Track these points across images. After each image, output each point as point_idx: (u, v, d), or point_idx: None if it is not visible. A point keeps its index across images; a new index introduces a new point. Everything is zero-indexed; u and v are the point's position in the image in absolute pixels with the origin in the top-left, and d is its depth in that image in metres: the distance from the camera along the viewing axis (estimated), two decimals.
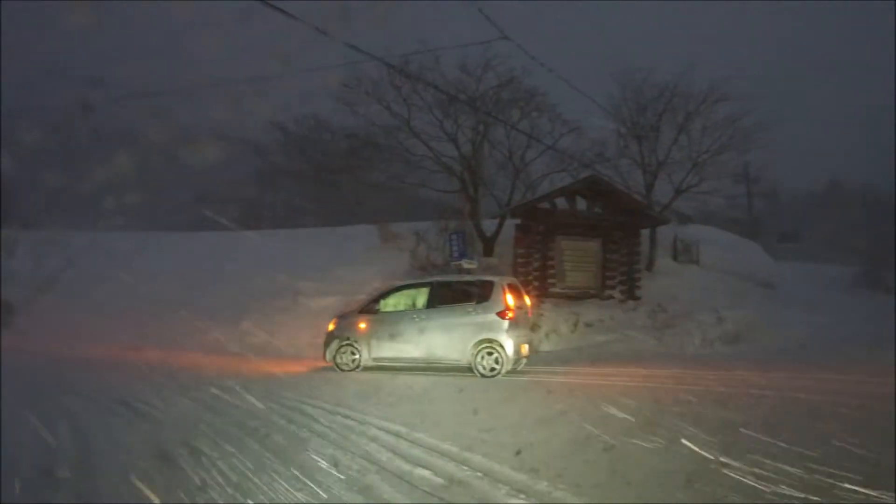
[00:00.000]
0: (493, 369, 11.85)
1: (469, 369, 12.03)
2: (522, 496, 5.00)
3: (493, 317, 12.02)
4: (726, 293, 21.90)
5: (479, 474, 5.56)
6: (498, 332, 11.94)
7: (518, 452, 6.14)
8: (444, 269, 19.24)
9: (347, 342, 12.71)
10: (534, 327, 15.63)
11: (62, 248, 24.46)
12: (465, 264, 15.85)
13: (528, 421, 7.76)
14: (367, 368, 12.61)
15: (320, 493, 5.08)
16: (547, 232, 19.62)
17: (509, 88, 20.85)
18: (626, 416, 7.64)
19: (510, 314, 12.05)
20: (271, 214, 39.96)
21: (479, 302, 12.25)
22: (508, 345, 11.89)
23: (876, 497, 4.86)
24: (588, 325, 18.81)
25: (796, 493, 4.93)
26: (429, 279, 13.72)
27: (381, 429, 7.24)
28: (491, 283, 12.43)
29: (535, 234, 19.56)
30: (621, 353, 16.51)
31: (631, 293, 20.39)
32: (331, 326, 13.13)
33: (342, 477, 5.47)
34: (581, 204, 20.74)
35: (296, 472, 5.53)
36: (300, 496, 4.99)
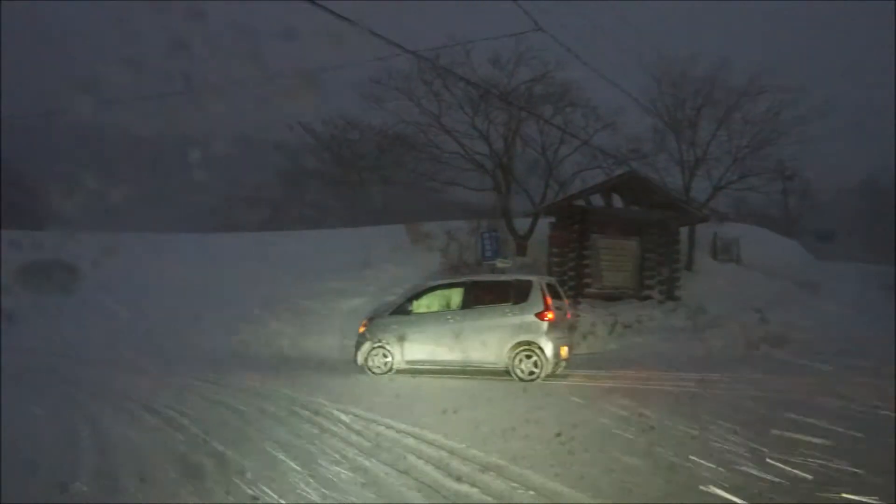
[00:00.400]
0: (531, 373, 11.28)
1: (506, 373, 11.47)
2: None
3: (531, 318, 11.45)
4: (768, 293, 21.06)
5: (531, 493, 5.02)
6: (537, 334, 11.36)
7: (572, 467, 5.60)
8: (476, 268, 18.74)
9: (379, 344, 12.22)
10: (571, 329, 15.00)
11: (88, 249, 24.49)
12: (500, 263, 15.34)
13: (580, 431, 7.18)
14: (399, 372, 12.12)
15: None
16: (582, 230, 18.99)
17: (542, 83, 20.26)
18: (688, 428, 7.02)
19: (549, 315, 11.46)
20: (299, 215, 39.73)
21: (516, 302, 11.68)
22: (548, 347, 11.30)
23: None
24: (626, 326, 18.15)
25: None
26: (463, 279, 13.19)
27: (419, 439, 6.73)
28: (529, 283, 11.86)
29: (571, 233, 18.95)
30: (662, 356, 15.80)
31: (670, 293, 19.67)
32: (361, 328, 12.67)
33: (380, 494, 4.97)
34: (617, 201, 20.08)
35: (329, 491, 5.04)
36: None
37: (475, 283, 12.51)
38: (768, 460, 5.62)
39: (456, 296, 12.21)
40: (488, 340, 11.60)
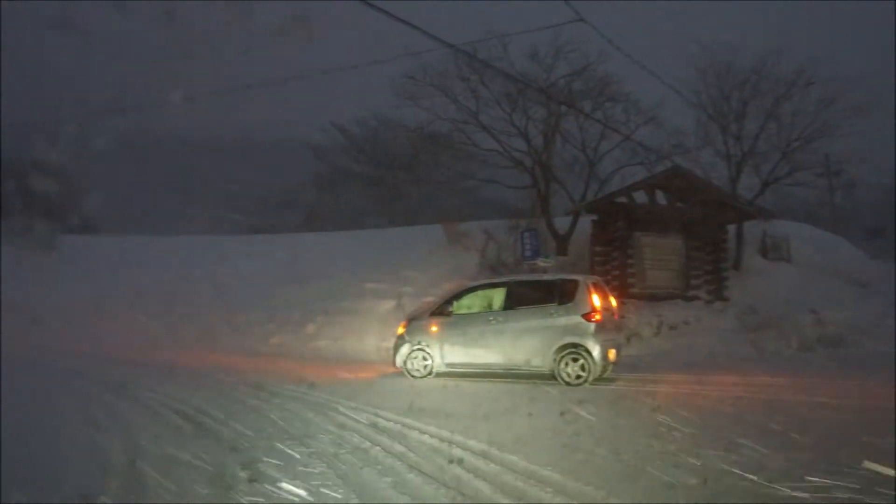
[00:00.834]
0: (578, 377, 10.75)
1: (551, 377, 10.96)
2: None
3: (578, 319, 10.92)
4: (821, 293, 20.16)
5: None
6: (584, 335, 10.83)
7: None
8: (515, 268, 18.24)
9: (418, 347, 11.82)
10: (618, 330, 14.41)
11: (124, 252, 24.66)
12: (542, 263, 14.81)
13: (638, 440, 6.66)
14: (439, 375, 11.70)
15: None
16: (626, 228, 18.34)
17: (582, 77, 19.67)
18: (753, 444, 6.44)
19: (597, 316, 10.93)
20: (334, 217, 39.66)
21: (562, 303, 11.16)
22: (596, 350, 10.77)
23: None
24: (672, 327, 17.47)
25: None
26: (505, 278, 12.71)
27: (465, 448, 6.27)
28: (575, 282, 11.33)
29: (613, 231, 18.33)
30: (713, 359, 15.13)
31: (718, 293, 18.91)
32: (400, 330, 12.28)
33: None
34: (661, 198, 19.39)
35: None
36: None
37: (518, 282, 12.02)
38: None
39: (498, 296, 11.73)
40: (532, 342, 11.11)
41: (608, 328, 11.45)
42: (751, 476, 5.19)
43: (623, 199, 18.82)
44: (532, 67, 19.59)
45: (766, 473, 5.24)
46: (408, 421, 7.60)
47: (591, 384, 10.68)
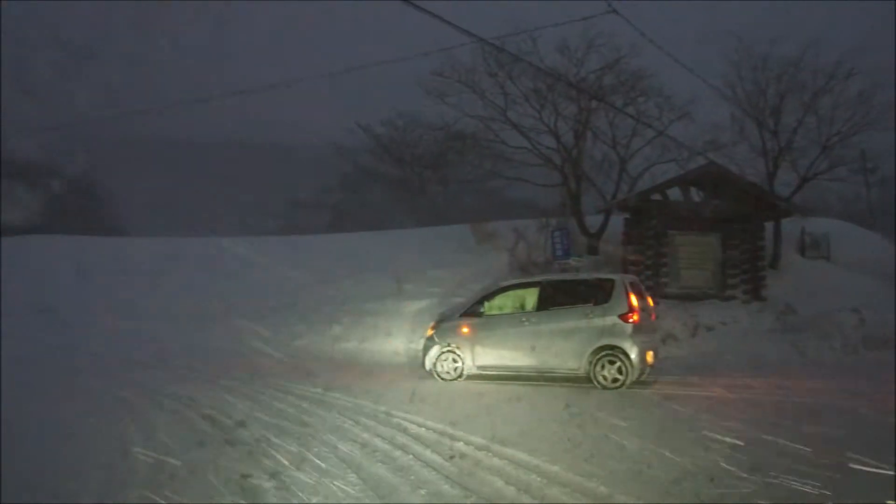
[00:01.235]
0: (615, 380, 10.33)
1: (587, 380, 10.55)
2: None
3: (614, 320, 10.50)
4: (862, 292, 19.40)
5: None
6: (621, 337, 10.41)
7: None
8: (545, 268, 17.82)
9: (448, 349, 11.46)
10: (655, 331, 13.92)
11: (152, 255, 24.67)
12: (574, 262, 14.39)
13: (686, 448, 6.24)
14: (469, 377, 11.34)
15: None
16: (659, 226, 17.83)
17: (613, 71, 19.18)
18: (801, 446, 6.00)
19: (635, 317, 10.50)
20: (360, 217, 39.55)
21: (598, 303, 10.74)
22: (633, 352, 10.34)
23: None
24: (708, 328, 16.90)
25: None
26: (538, 278, 12.28)
27: (504, 458, 5.92)
28: (612, 282, 10.90)
29: (647, 229, 17.82)
30: (752, 361, 14.55)
31: (756, 293, 18.26)
32: (429, 331, 11.94)
33: None
34: (696, 195, 18.84)
35: None
36: None
37: (551, 282, 11.60)
38: None
39: (530, 296, 11.33)
40: (567, 344, 10.71)
41: (646, 329, 11.02)
42: None
43: (656, 197, 18.30)
44: (562, 62, 19.16)
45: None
46: (440, 427, 7.27)
47: (628, 388, 10.26)
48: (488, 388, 10.57)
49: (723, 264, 18.27)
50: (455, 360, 11.40)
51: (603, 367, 10.41)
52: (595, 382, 10.41)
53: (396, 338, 15.87)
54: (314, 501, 4.78)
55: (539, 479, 5.28)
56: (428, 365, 11.60)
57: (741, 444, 6.36)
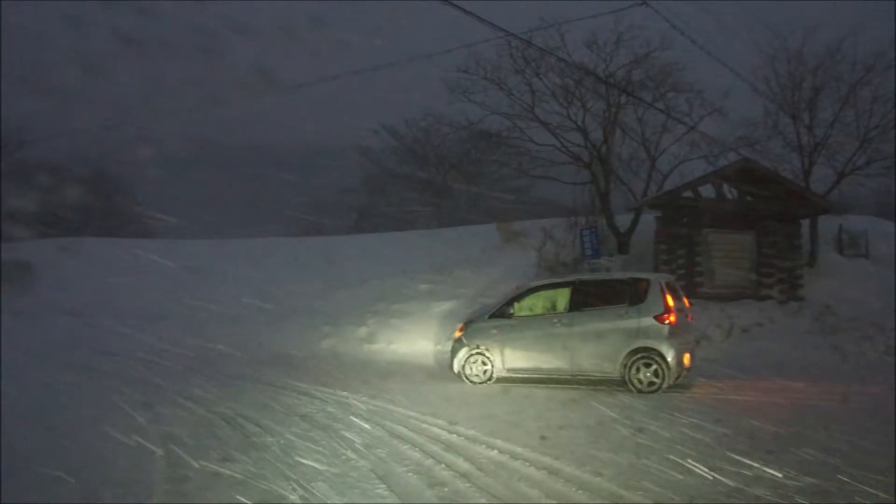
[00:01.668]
0: (651, 384, 9.94)
1: (621, 383, 10.18)
2: None
3: (650, 321, 10.11)
4: None
5: None
6: (657, 339, 10.02)
7: None
8: (574, 268, 17.46)
9: (477, 351, 11.16)
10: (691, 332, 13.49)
11: (181, 257, 24.71)
12: (605, 261, 14.01)
13: (734, 455, 5.88)
14: (499, 380, 11.03)
15: None
16: (692, 224, 17.32)
17: (643, 66, 18.74)
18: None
19: (671, 318, 10.10)
20: (384, 218, 39.42)
21: (632, 303, 10.36)
22: (670, 354, 9.94)
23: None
24: (744, 329, 16.37)
25: None
26: (570, 278, 11.92)
27: (543, 468, 5.60)
28: (646, 282, 10.52)
29: (679, 228, 17.32)
30: (791, 363, 14.06)
31: (792, 293, 17.70)
32: (457, 333, 11.63)
33: None
34: (730, 192, 18.30)
35: None
36: None
37: (584, 282, 11.23)
38: None
39: (562, 297, 10.98)
40: (600, 347, 10.34)
41: (682, 331, 10.62)
42: None
43: (688, 194, 17.81)
44: (590, 57, 18.76)
45: None
46: (472, 433, 6.98)
47: (664, 391, 9.88)
48: (519, 391, 10.25)
49: (758, 263, 17.73)
50: (484, 363, 11.09)
51: (638, 370, 10.03)
52: (630, 386, 10.03)
53: (423, 339, 15.62)
54: None
55: (581, 491, 4.96)
56: (456, 367, 11.32)
57: (794, 448, 5.99)
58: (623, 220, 19.91)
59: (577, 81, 18.61)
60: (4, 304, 17.79)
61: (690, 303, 15.97)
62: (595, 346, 10.38)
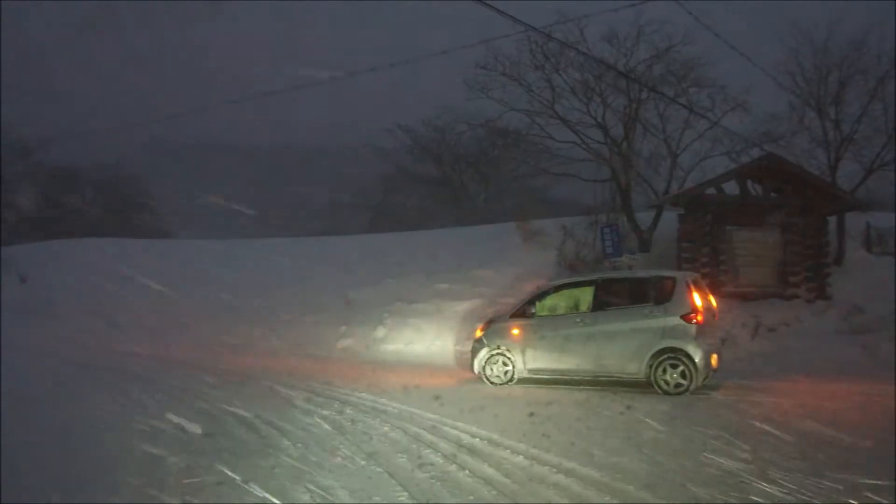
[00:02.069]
0: (678, 385, 9.65)
1: (647, 384, 9.89)
2: None
3: (677, 320, 9.82)
4: None
5: None
6: (684, 339, 9.72)
7: None
8: (594, 266, 17.13)
9: (498, 351, 10.92)
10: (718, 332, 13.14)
11: (197, 257, 24.71)
12: (628, 260, 13.71)
13: (777, 462, 5.59)
14: (521, 381, 10.78)
15: None
16: (716, 222, 16.94)
17: (664, 60, 18.37)
18: None
19: (699, 317, 9.81)
20: (400, 217, 39.29)
21: (658, 302, 10.08)
22: (698, 355, 9.65)
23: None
24: (770, 329, 15.97)
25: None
26: (593, 276, 11.65)
27: (572, 475, 5.35)
28: (672, 280, 10.23)
29: (702, 225, 16.93)
30: (820, 364, 13.65)
31: (820, 291, 17.24)
32: (478, 333, 11.41)
33: None
34: (754, 189, 17.90)
35: None
36: None
37: (607, 281, 10.96)
38: None
39: (585, 296, 10.71)
40: (625, 347, 10.07)
41: (709, 330, 10.32)
42: None
43: (711, 191, 17.43)
44: (610, 52, 18.41)
45: None
46: (496, 437, 6.73)
47: (692, 393, 9.58)
48: (542, 393, 10.00)
49: (784, 261, 17.29)
50: (505, 364, 10.86)
51: (664, 371, 9.75)
52: (656, 387, 9.75)
53: (442, 339, 15.39)
54: None
55: (612, 499, 4.70)
56: (476, 368, 11.09)
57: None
58: (644, 218, 19.56)
59: (598, 77, 18.27)
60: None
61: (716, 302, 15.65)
62: (619, 346, 10.11)
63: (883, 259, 20.01)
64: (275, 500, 4.67)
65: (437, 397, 9.35)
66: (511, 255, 19.45)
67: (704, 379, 9.92)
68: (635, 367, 9.95)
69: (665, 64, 18.64)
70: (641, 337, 9.95)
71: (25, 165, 39.82)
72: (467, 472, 5.44)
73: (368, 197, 45.71)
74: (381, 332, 16.56)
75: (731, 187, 17.84)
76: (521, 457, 5.93)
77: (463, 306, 16.66)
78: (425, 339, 15.70)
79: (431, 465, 5.71)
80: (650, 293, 10.26)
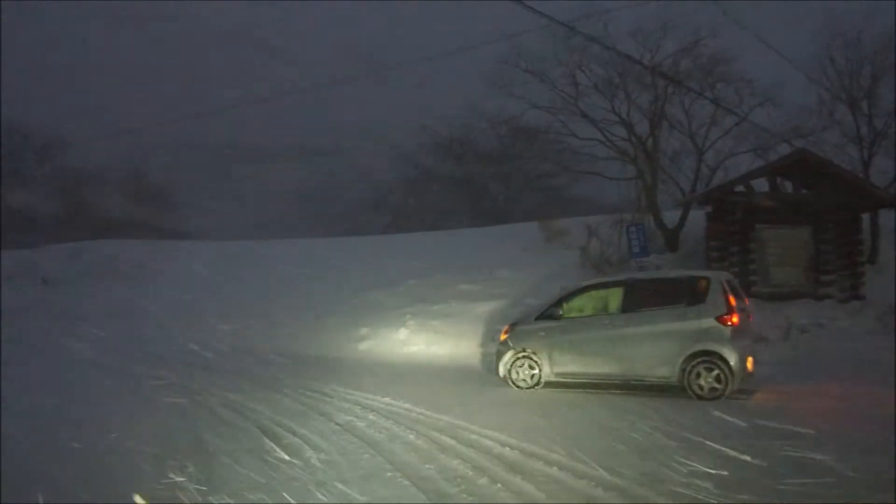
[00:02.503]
0: (713, 389, 9.26)
1: (680, 389, 9.50)
2: None
3: (711, 322, 9.42)
4: None
5: None
6: (719, 341, 9.32)
7: None
8: (620, 266, 16.77)
9: (524, 354, 10.57)
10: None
11: (217, 258, 24.62)
12: (656, 260, 13.32)
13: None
14: (548, 385, 10.44)
15: None
16: (745, 220, 16.50)
17: (691, 55, 17.94)
18: None
19: (734, 318, 9.41)
20: (420, 217, 39.07)
21: (691, 304, 9.68)
22: (733, 358, 9.25)
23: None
24: (803, 330, 15.47)
25: None
26: (623, 277, 11.29)
27: (610, 488, 5.02)
28: (706, 280, 9.83)
29: (731, 224, 16.51)
30: (858, 366, 13.16)
31: (853, 291, 16.74)
32: (503, 335, 11.06)
33: None
34: (784, 186, 17.42)
35: None
36: None
37: (638, 281, 10.58)
38: None
39: (614, 297, 10.34)
40: (656, 350, 9.68)
41: (745, 332, 9.91)
42: None
43: (740, 188, 16.98)
44: (635, 47, 18.00)
45: None
46: (525, 446, 6.42)
47: (728, 398, 9.18)
48: (571, 397, 9.66)
49: (816, 260, 16.82)
50: (531, 367, 10.51)
51: (698, 375, 9.35)
52: (689, 392, 9.36)
53: (465, 342, 15.08)
54: None
55: None
56: (502, 371, 10.76)
57: None
58: (670, 217, 19.13)
59: (622, 73, 17.90)
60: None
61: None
62: (651, 349, 9.73)
63: None
64: None
65: (462, 402, 9.05)
66: (534, 255, 19.13)
67: (740, 383, 9.53)
68: (667, 371, 9.57)
69: (692, 58, 18.24)
70: (674, 339, 9.57)
71: (51, 167, 40.17)
72: (500, 485, 5.13)
73: (388, 197, 45.56)
74: (402, 333, 16.29)
75: (760, 184, 17.39)
76: (555, 468, 5.60)
77: (485, 307, 16.35)
78: (448, 341, 15.40)
79: (461, 478, 5.41)
80: (683, 294, 9.87)
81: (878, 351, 14.46)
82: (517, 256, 19.37)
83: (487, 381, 11.23)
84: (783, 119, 19.67)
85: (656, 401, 9.19)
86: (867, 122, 18.92)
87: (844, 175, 17.42)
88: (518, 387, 10.52)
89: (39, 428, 7.36)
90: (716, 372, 9.26)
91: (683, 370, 9.43)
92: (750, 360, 9.80)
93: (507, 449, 6.34)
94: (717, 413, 8.02)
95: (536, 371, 10.47)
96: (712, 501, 4.48)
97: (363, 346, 16.04)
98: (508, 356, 10.70)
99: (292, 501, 4.78)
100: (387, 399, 9.36)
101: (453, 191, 40.68)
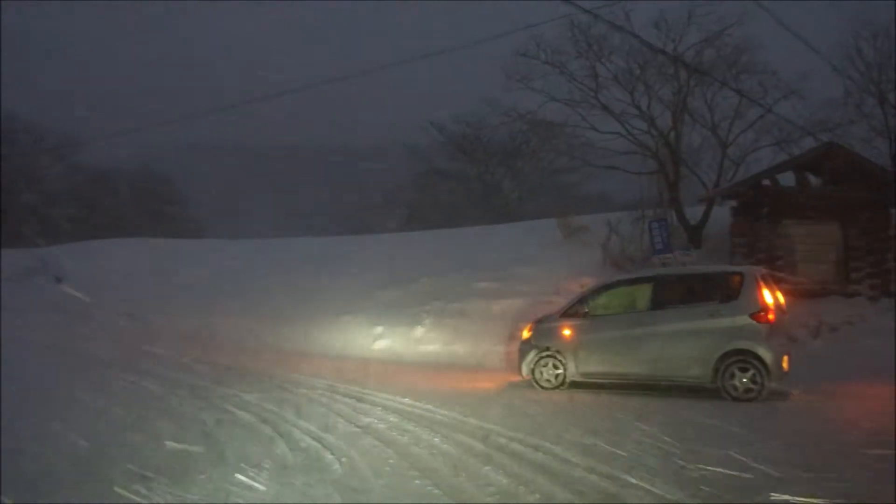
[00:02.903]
0: (748, 390, 8.87)
1: (712, 389, 9.11)
2: None
3: (746, 320, 9.04)
4: None
5: None
6: (754, 340, 8.93)
7: None
8: (642, 263, 16.32)
9: (548, 353, 10.21)
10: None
11: (229, 257, 24.41)
12: (681, 256, 12.91)
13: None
14: (573, 385, 10.06)
15: None
16: (772, 215, 16.02)
17: (715, 45, 17.47)
18: None
19: (770, 316, 9.01)
20: (433, 215, 38.73)
21: (724, 300, 9.30)
22: (769, 357, 8.87)
23: None
24: (833, 328, 15.00)
25: None
26: (651, 273, 10.95)
27: (652, 497, 4.65)
28: (741, 276, 9.44)
29: (757, 219, 16.03)
30: (891, 365, 12.71)
31: (884, 288, 16.21)
32: (526, 333, 10.72)
33: None
34: (812, 180, 16.92)
35: None
36: None
37: (667, 277, 10.22)
38: None
39: (642, 294, 9.97)
40: (688, 349, 9.31)
41: (780, 330, 9.51)
42: None
43: (766, 183, 16.50)
44: (658, 37, 17.54)
45: None
46: (559, 450, 6.06)
47: (764, 399, 8.78)
48: (599, 399, 9.29)
49: (845, 256, 16.32)
50: (556, 366, 10.14)
51: (733, 375, 8.97)
52: (724, 393, 8.97)
53: (484, 340, 14.69)
54: None
55: None
56: (525, 371, 10.40)
57: None
58: (693, 213, 18.67)
59: (643, 64, 17.45)
60: None
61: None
62: (682, 348, 9.35)
63: None
64: None
65: (486, 403, 8.71)
66: (552, 252, 18.69)
67: (777, 382, 9.12)
68: (700, 371, 9.17)
69: (716, 49, 17.76)
70: (706, 338, 9.18)
71: (63, 167, 40.24)
72: (539, 496, 4.77)
73: (401, 195, 45.27)
74: (418, 332, 15.94)
75: (786, 178, 16.90)
76: (594, 476, 5.23)
77: (504, 305, 15.94)
78: (465, 340, 15.03)
79: (493, 485, 5.05)
80: (715, 290, 9.50)
81: None
82: (534, 254, 18.95)
83: (509, 381, 10.89)
84: (808, 111, 19.19)
85: (686, 401, 8.80)
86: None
87: (873, 169, 16.91)
88: (542, 387, 10.17)
89: (43, 426, 7.08)
90: (751, 372, 8.88)
91: (716, 370, 9.05)
92: (786, 358, 9.39)
93: (541, 454, 5.99)
94: (763, 416, 7.61)
95: (561, 371, 10.11)
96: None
97: (379, 344, 15.71)
98: (532, 355, 10.35)
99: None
100: (407, 399, 9.01)
101: (467, 188, 40.36)
